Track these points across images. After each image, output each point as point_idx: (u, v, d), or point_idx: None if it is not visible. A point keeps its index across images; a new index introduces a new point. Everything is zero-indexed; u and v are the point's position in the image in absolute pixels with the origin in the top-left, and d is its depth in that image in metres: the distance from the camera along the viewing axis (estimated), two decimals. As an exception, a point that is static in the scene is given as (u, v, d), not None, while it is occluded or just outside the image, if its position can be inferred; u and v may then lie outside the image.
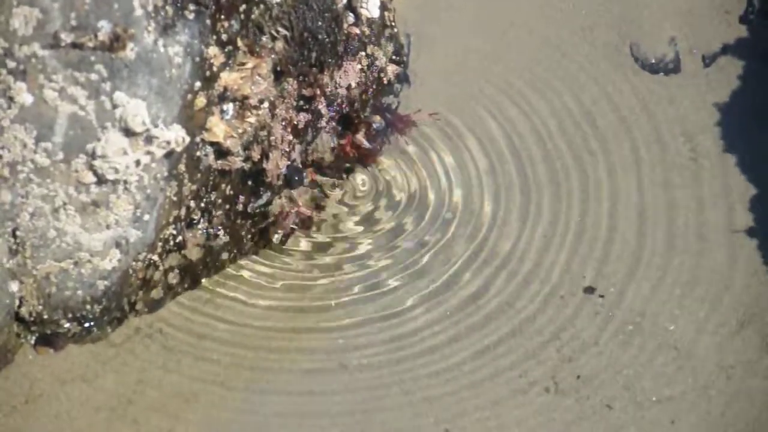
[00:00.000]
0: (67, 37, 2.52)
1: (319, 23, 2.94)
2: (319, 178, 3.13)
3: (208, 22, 2.66)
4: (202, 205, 2.84)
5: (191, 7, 2.62)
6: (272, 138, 2.90)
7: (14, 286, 2.72)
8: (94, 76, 2.55)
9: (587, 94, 3.39)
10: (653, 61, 3.44)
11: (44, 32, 2.51)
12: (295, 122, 2.96)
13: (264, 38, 2.82)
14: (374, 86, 3.14)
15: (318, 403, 2.82)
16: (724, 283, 3.02)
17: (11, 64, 2.52)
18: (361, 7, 3.09)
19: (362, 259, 3.08)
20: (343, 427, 2.78)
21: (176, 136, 2.64)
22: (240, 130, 2.81)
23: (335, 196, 3.17)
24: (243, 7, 2.76)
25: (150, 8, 2.56)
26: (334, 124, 3.08)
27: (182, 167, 2.73)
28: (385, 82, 3.18)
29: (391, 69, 3.17)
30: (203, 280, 2.97)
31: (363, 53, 3.08)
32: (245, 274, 3.02)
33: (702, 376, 2.86)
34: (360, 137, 3.14)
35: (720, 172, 3.23)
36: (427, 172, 3.24)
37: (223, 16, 2.70)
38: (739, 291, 3.00)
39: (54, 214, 2.65)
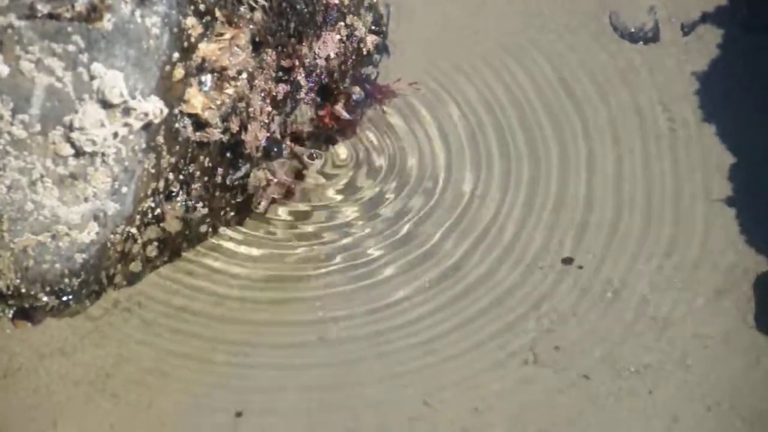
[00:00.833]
0: (43, 8, 2.49)
1: (298, -7, 2.92)
2: (298, 149, 3.12)
3: (185, -8, 2.65)
4: (181, 177, 2.83)
5: (169, -23, 2.60)
6: (251, 109, 2.88)
7: (-9, 260, 2.70)
8: (71, 47, 2.52)
9: (566, 63, 3.38)
10: (632, 30, 3.43)
11: (20, 2, 2.48)
12: (274, 93, 2.94)
13: (242, 8, 2.80)
14: (353, 57, 3.12)
15: (297, 376, 2.82)
16: (702, 252, 3.03)
17: (-13, 36, 2.50)
18: (340, -24, 3.08)
19: (342, 228, 3.08)
20: (322, 400, 2.78)
21: (154, 107, 2.62)
22: (218, 102, 2.79)
23: (315, 167, 3.16)
24: (221, -23, 2.74)
25: (127, -21, 2.54)
26: (313, 95, 3.06)
27: (160, 139, 2.71)
28: (365, 52, 3.16)
29: (371, 39, 3.15)
30: (183, 252, 2.96)
31: (342, 23, 3.05)
32: (225, 244, 3.01)
33: (679, 345, 2.88)
34: (339, 108, 3.13)
35: (698, 141, 3.24)
36: (408, 142, 3.23)
37: (201, -14, 2.68)
38: (716, 260, 3.01)
39: (31, 187, 2.63)
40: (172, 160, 2.77)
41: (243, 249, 3.02)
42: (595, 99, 3.32)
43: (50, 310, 2.78)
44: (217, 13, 2.74)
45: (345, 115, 3.14)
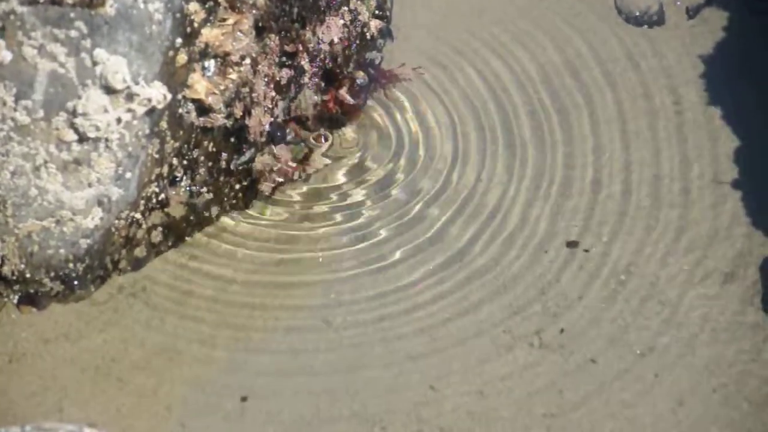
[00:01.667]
0: (46, -7, 2.49)
1: (301, -23, 2.92)
2: (303, 133, 3.12)
3: (188, -23, 2.64)
4: (185, 162, 2.83)
5: (171, -38, 2.60)
6: (254, 95, 2.88)
7: (-4, 245, 2.71)
8: (73, 33, 2.53)
9: (571, 47, 3.38)
10: (637, 13, 3.42)
11: (23, -12, 2.49)
12: (278, 78, 2.94)
13: (245, -7, 2.80)
14: (357, 41, 3.12)
15: (302, 361, 2.82)
16: (709, 235, 3.02)
17: (-11, 22, 2.50)
18: (344, -40, 3.07)
19: (349, 210, 3.08)
20: (327, 386, 2.78)
21: (157, 93, 2.62)
22: (222, 87, 2.79)
23: (321, 150, 3.16)
24: (224, -39, 2.74)
25: (129, -36, 2.54)
26: (317, 80, 3.06)
27: (164, 124, 2.71)
28: (368, 37, 3.16)
29: (374, 24, 3.15)
30: (187, 237, 2.96)
31: (345, 8, 3.05)
32: (230, 228, 3.02)
33: (686, 329, 2.87)
34: (343, 93, 3.12)
35: (704, 124, 3.23)
36: (412, 127, 3.23)
37: (203, -29, 2.68)
38: (723, 244, 3.00)
39: (35, 173, 2.63)
40: (176, 145, 2.77)
41: (248, 233, 3.01)
42: (601, 82, 3.31)
43: (55, 295, 2.78)
44: (220, -1, 2.74)
45: (349, 99, 3.14)
